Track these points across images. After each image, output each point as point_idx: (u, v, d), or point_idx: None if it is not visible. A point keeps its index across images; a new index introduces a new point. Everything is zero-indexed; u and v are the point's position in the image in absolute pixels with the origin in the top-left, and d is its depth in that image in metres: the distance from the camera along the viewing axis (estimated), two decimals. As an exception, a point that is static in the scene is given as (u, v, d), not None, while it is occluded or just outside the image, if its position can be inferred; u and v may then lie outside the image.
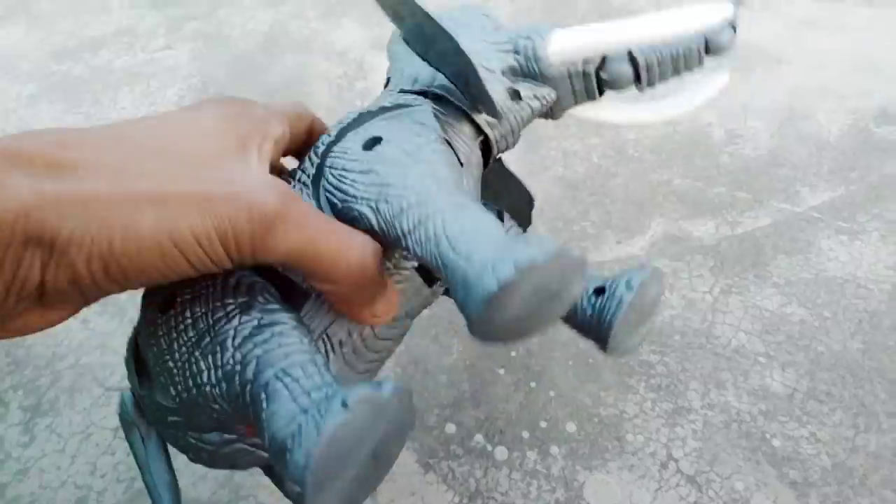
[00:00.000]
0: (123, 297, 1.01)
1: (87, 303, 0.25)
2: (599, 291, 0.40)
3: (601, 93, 0.44)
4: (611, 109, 0.45)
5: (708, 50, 0.42)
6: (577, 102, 0.45)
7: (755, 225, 1.09)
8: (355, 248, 0.28)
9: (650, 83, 0.42)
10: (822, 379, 0.89)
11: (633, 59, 0.41)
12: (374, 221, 0.28)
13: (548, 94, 0.43)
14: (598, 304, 0.38)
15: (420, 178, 0.29)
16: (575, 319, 0.36)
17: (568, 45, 0.43)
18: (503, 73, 0.43)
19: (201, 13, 1.67)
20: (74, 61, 1.49)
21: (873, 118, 1.31)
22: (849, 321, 0.96)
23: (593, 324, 0.33)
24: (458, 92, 0.41)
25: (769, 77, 1.42)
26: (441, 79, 0.43)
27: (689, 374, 0.89)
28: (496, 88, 0.42)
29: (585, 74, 0.42)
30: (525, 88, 0.43)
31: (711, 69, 0.45)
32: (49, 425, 0.84)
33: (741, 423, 0.84)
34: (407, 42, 0.44)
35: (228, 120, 0.29)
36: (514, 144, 0.46)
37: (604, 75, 0.42)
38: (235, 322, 0.28)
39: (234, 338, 0.28)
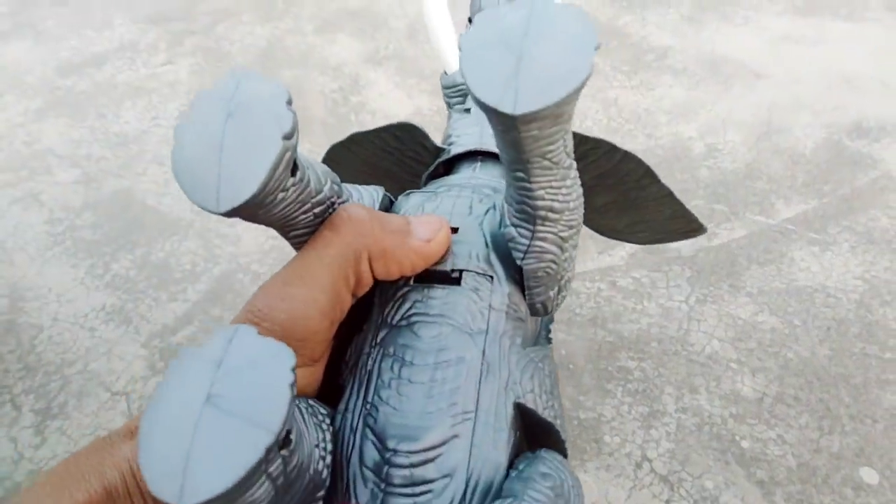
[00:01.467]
0: (129, 306, 1.06)
1: None
2: None
3: None
4: None
5: None
6: None
7: (731, 237, 1.15)
8: (436, 241, 0.28)
9: None
10: (791, 384, 0.95)
11: None
12: None
13: None
14: None
15: None
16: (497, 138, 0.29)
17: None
18: None
19: (201, 28, 1.72)
20: (79, 76, 1.54)
21: (847, 132, 1.36)
22: (817, 329, 1.02)
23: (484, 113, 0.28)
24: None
25: (748, 92, 1.47)
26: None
27: (664, 380, 0.94)
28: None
29: None
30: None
31: None
32: (59, 427, 0.89)
33: (712, 426, 0.90)
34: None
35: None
36: None
37: None
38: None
39: None
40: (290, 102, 0.23)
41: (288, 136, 0.22)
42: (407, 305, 0.28)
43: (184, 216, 1.21)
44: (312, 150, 1.34)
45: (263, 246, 1.16)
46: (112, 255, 1.14)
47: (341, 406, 0.26)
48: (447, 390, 0.25)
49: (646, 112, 1.41)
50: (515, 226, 0.28)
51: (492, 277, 0.29)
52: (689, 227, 0.46)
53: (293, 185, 0.24)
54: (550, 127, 0.23)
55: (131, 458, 0.23)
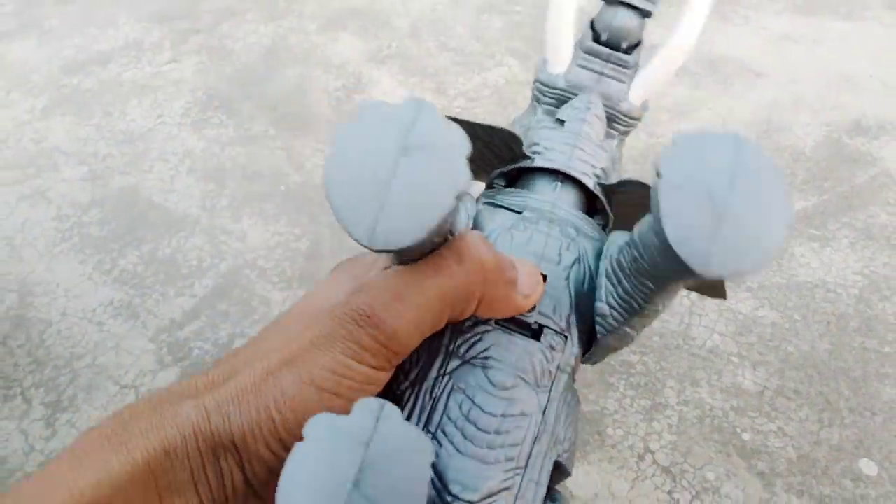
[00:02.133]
0: (136, 301, 1.07)
1: None
2: None
3: None
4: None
5: None
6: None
7: (732, 233, 1.16)
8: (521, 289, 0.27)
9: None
10: (791, 377, 0.96)
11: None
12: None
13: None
14: (652, 223, 0.28)
15: None
16: (659, 264, 0.27)
17: (647, 89, 0.42)
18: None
19: (205, 27, 1.73)
20: (85, 75, 1.55)
21: (846, 130, 1.38)
22: (817, 323, 1.03)
23: (662, 249, 0.25)
24: None
25: (748, 91, 1.48)
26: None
27: (666, 373, 0.95)
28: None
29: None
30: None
31: None
32: (69, 420, 0.90)
33: (714, 419, 0.91)
34: None
35: (346, 272, 0.30)
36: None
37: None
38: None
39: None
40: (468, 155, 0.23)
41: (460, 196, 0.22)
42: (484, 345, 0.28)
43: (190, 213, 1.22)
44: (317, 149, 1.36)
45: (269, 242, 1.17)
46: (119, 251, 1.15)
47: None
48: (507, 444, 0.26)
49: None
50: (612, 308, 0.28)
51: (566, 338, 0.29)
52: (715, 289, 0.47)
53: (441, 233, 0.24)
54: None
55: (194, 421, 0.23)
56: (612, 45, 0.41)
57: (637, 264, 0.26)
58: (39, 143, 1.37)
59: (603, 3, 0.42)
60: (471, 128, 0.40)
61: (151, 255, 1.15)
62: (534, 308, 0.28)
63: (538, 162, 0.39)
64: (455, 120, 0.42)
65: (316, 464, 0.19)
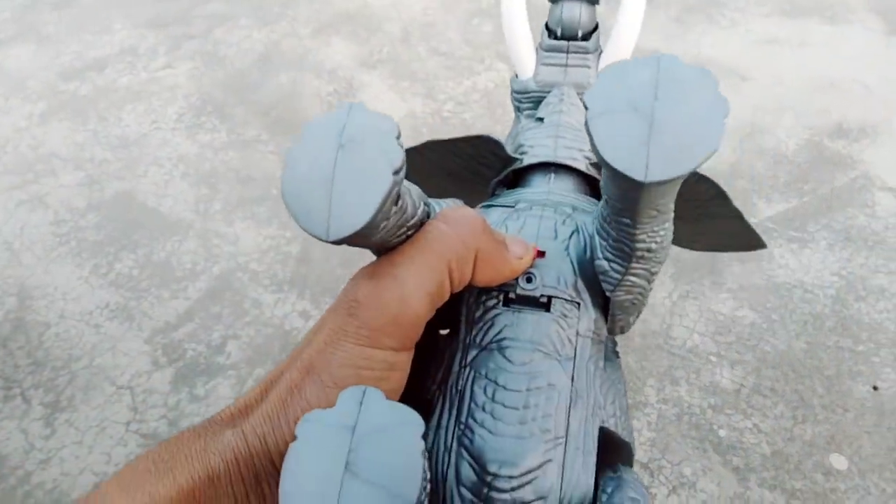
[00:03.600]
0: (132, 303, 1.10)
1: None
2: None
3: None
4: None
5: None
6: None
7: (713, 235, 1.19)
8: (524, 258, 0.29)
9: None
10: (767, 376, 0.99)
11: None
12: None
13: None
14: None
15: None
16: (615, 194, 0.28)
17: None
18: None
19: (199, 32, 1.76)
20: (81, 81, 1.58)
21: (828, 134, 1.40)
22: (794, 323, 1.06)
23: (609, 176, 0.26)
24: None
25: (733, 94, 1.51)
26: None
27: (647, 372, 0.98)
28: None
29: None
30: None
31: None
32: (68, 420, 0.93)
33: (692, 416, 0.94)
34: None
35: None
36: None
37: None
38: None
39: None
40: (398, 137, 0.24)
41: (397, 172, 0.23)
42: (497, 328, 0.28)
43: (184, 217, 1.25)
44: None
45: (261, 245, 1.20)
46: (115, 254, 1.18)
47: (433, 422, 0.27)
48: (540, 416, 0.26)
49: (633, 114, 1.45)
50: (609, 260, 0.28)
51: (579, 304, 0.29)
52: (749, 242, 0.47)
53: (395, 213, 0.24)
54: (671, 188, 0.24)
55: (234, 446, 0.23)
56: (568, 37, 0.43)
57: (610, 207, 0.27)
58: (37, 148, 1.40)
59: (550, 2, 0.45)
60: (453, 145, 0.43)
61: (146, 258, 1.18)
62: (534, 281, 0.29)
63: (526, 160, 0.40)
64: (435, 142, 0.44)
65: (309, 458, 0.20)
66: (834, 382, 0.97)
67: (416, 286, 0.25)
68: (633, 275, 0.28)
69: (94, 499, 0.21)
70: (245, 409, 0.25)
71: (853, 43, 1.69)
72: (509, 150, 0.41)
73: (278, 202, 1.28)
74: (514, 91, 0.46)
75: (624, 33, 0.43)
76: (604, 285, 0.29)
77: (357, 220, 0.23)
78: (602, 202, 0.28)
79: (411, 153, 0.45)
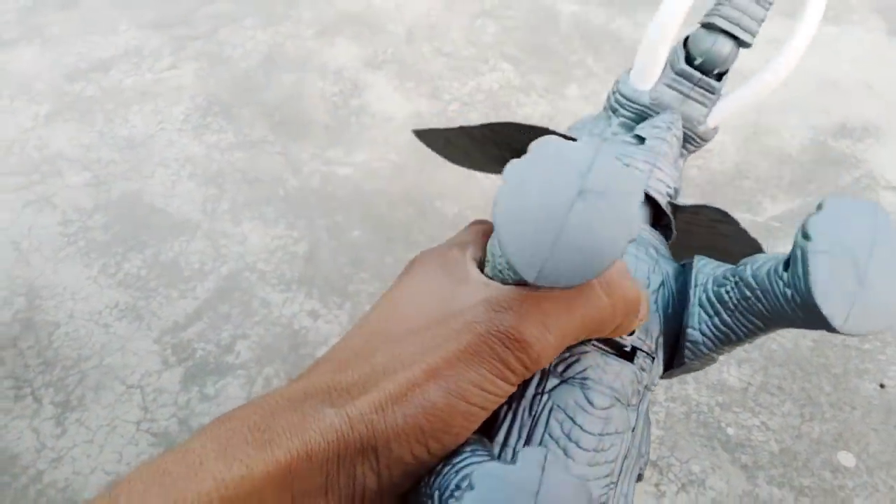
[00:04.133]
0: (141, 303, 1.10)
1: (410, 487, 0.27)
2: (786, 264, 0.29)
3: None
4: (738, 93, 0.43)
5: None
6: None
7: (719, 234, 1.20)
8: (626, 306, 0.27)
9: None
10: (775, 374, 0.99)
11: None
12: None
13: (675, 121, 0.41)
14: (788, 278, 0.28)
15: None
16: (783, 312, 0.28)
17: (725, 115, 0.43)
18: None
19: (203, 33, 1.76)
20: (87, 82, 1.58)
21: (832, 133, 1.41)
22: (801, 321, 1.06)
23: (798, 302, 0.25)
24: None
25: (737, 94, 1.52)
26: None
27: (654, 370, 0.99)
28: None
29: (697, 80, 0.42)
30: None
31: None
32: (78, 419, 0.93)
33: (700, 414, 0.94)
34: None
35: (435, 271, 0.31)
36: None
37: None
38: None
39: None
40: (642, 202, 0.24)
41: (632, 240, 0.22)
42: (582, 366, 0.29)
43: (191, 217, 1.25)
44: (314, 154, 1.39)
45: (269, 246, 1.21)
46: (123, 254, 1.18)
47: (499, 437, 0.27)
48: (605, 461, 0.27)
49: (637, 114, 1.46)
50: (705, 335, 0.29)
51: (654, 359, 0.30)
52: (753, 249, 0.46)
53: None
54: None
55: (338, 428, 0.23)
56: (704, 70, 0.41)
57: (749, 304, 0.27)
58: (43, 149, 1.40)
59: (702, 27, 0.42)
60: (529, 129, 0.41)
61: (154, 258, 1.18)
62: (633, 332, 0.29)
63: None
64: (508, 124, 0.42)
65: None
66: (841, 380, 0.97)
67: (554, 347, 0.25)
68: (719, 354, 0.29)
69: (189, 457, 0.21)
70: (343, 392, 0.25)
71: (856, 43, 1.70)
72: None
73: (285, 202, 1.28)
74: (620, 93, 0.43)
75: (791, 57, 0.42)
76: (686, 352, 0.30)
77: (574, 278, 0.22)
78: (719, 281, 0.29)
79: (481, 127, 0.43)
